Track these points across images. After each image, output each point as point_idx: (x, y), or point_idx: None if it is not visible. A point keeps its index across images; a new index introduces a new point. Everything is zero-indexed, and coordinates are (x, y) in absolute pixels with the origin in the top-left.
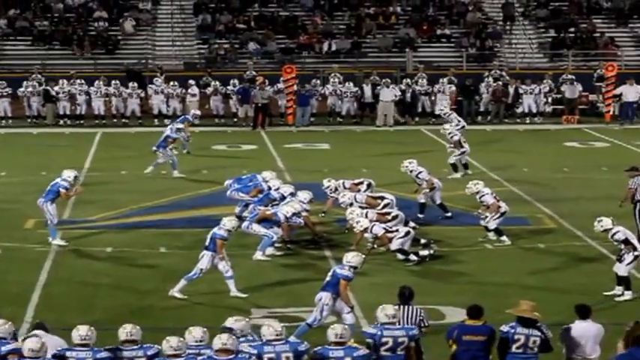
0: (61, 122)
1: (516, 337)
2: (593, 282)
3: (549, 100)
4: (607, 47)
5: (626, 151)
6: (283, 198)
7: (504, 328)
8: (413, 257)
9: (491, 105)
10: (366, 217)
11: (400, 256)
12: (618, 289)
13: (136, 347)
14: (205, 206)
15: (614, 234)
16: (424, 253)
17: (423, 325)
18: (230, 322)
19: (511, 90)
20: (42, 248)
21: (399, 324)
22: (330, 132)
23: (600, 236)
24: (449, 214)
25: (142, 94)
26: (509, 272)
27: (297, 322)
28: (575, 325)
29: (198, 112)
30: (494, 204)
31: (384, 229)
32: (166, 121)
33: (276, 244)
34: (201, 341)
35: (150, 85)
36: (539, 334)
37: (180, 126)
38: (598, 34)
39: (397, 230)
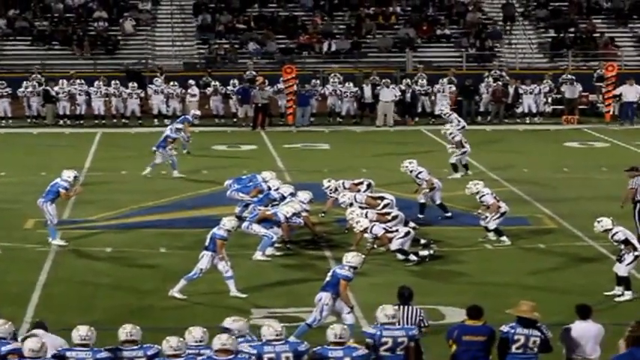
0: (61, 122)
1: (516, 337)
2: (593, 282)
3: (549, 100)
4: (607, 47)
5: (626, 151)
6: (283, 198)
7: (504, 328)
8: (413, 257)
9: (491, 105)
10: (366, 217)
11: (400, 257)
12: (618, 290)
13: (135, 347)
14: (205, 206)
15: (614, 234)
16: (424, 253)
17: (422, 325)
18: (228, 322)
19: (511, 90)
20: (42, 248)
21: (399, 324)
22: (329, 132)
23: (600, 236)
24: (449, 215)
25: (142, 94)
26: (509, 272)
27: (297, 323)
28: (576, 325)
29: (198, 113)
30: (494, 204)
31: (384, 229)
32: (166, 122)
33: (276, 245)
34: (201, 341)
35: (150, 85)
36: (539, 334)
37: (180, 126)
38: (598, 35)
39: (397, 230)
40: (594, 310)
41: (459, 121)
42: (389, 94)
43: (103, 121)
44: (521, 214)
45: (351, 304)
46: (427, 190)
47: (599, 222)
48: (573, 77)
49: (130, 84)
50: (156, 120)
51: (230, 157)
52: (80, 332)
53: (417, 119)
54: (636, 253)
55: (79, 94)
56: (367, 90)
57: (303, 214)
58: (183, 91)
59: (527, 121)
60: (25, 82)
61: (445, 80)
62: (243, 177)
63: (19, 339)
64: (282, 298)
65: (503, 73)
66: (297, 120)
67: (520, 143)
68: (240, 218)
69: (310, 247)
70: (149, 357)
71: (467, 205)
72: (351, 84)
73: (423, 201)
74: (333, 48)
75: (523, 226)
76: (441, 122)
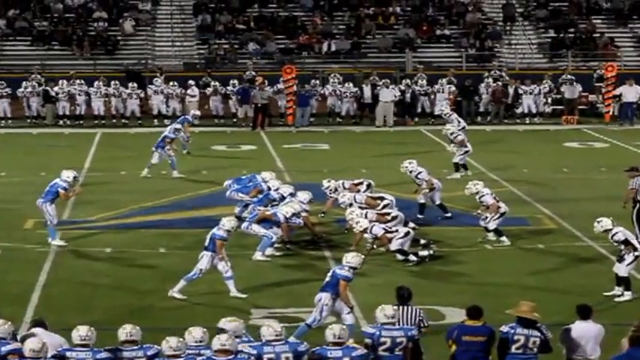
0: (61, 122)
1: (516, 337)
2: (592, 282)
3: (549, 100)
4: (606, 48)
5: (626, 152)
6: (283, 198)
7: (504, 328)
8: (412, 258)
9: (491, 105)
10: (366, 217)
11: (400, 257)
12: (618, 290)
13: (135, 347)
14: (205, 207)
15: (614, 234)
16: (424, 253)
17: (422, 325)
18: (223, 322)
19: (511, 90)
20: (41, 249)
21: (399, 324)
22: (329, 132)
23: (600, 237)
24: (448, 215)
25: (142, 95)
26: (509, 273)
27: (297, 323)
28: (576, 325)
29: (198, 113)
30: (494, 204)
31: (384, 229)
32: (166, 122)
33: (276, 245)
34: (200, 342)
35: (149, 86)
36: (538, 334)
37: (179, 126)
38: (598, 35)
39: (397, 231)
40: (594, 310)
41: (459, 122)
42: (388, 94)
43: (103, 122)
44: (520, 215)
45: (351, 305)
46: (427, 191)
47: (599, 222)
48: (573, 77)
49: (130, 84)
50: (156, 120)
51: (230, 157)
52: (80, 332)
53: (416, 119)
54: (636, 254)
55: (79, 95)
56: (367, 90)
57: (303, 214)
58: (183, 91)
59: (527, 122)
60: (24, 83)
61: (444, 81)
62: (243, 177)
63: (19, 337)
64: (281, 299)
65: (503, 74)
66: (296, 120)
67: (520, 143)
68: (240, 218)
69: (310, 247)
70: (149, 357)
71: (466, 205)
72: (351, 84)
73: (422, 201)
74: (333, 48)
75: (523, 227)
76: (441, 122)
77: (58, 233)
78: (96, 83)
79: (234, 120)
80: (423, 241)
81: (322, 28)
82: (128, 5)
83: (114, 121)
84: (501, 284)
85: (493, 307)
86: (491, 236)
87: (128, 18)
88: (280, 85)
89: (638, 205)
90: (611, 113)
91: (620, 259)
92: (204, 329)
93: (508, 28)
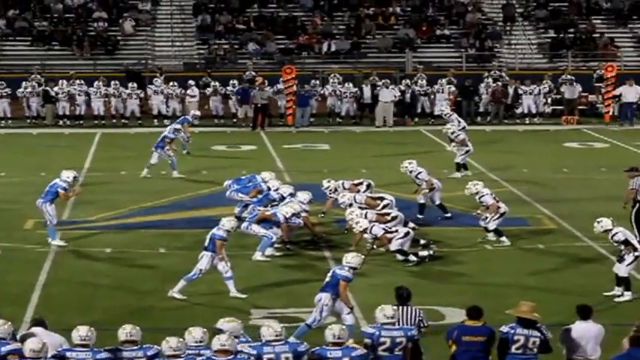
0: (61, 123)
1: (516, 337)
2: (592, 282)
3: (549, 100)
4: (606, 48)
5: (626, 152)
6: (283, 198)
7: (504, 328)
8: (412, 258)
9: (491, 105)
10: (366, 217)
11: (400, 257)
12: (618, 290)
13: (135, 348)
14: (205, 207)
15: (614, 235)
16: (424, 253)
17: (422, 325)
18: (220, 323)
19: (510, 90)
20: (41, 249)
21: (399, 325)
22: (329, 132)
23: (600, 237)
24: (448, 215)
25: (142, 95)
26: (509, 273)
27: (297, 323)
28: (576, 325)
29: (198, 113)
30: (494, 205)
31: (384, 229)
32: (166, 122)
33: (276, 245)
34: (200, 342)
35: (149, 86)
36: (538, 334)
37: (178, 126)
38: (597, 35)
39: (397, 231)
40: (594, 310)
41: (460, 122)
42: (388, 94)
43: (103, 122)
44: (520, 215)
45: (351, 305)
46: (427, 191)
47: (599, 222)
48: (573, 78)
49: (130, 84)
50: (155, 120)
51: (230, 157)
52: (80, 332)
53: (416, 120)
54: (636, 254)
55: (79, 95)
56: (367, 90)
57: (303, 214)
58: (183, 91)
59: (527, 122)
60: (24, 83)
61: (444, 81)
62: (243, 177)
63: (18, 336)
64: (281, 299)
65: (503, 74)
66: (296, 120)
67: (520, 144)
68: (240, 219)
69: (310, 247)
70: (149, 357)
71: (466, 205)
72: (351, 84)
73: (422, 201)
74: (333, 48)
75: (523, 227)
76: (441, 123)
77: (58, 233)
78: (96, 83)
79: (234, 120)
80: (422, 242)
81: (322, 29)
82: (128, 5)
83: (114, 121)
84: (501, 284)
85: (493, 308)
86: (491, 236)
87: (128, 18)
88: (280, 86)
89: (637, 205)
90: (611, 113)
91: (620, 260)
92: (204, 329)
93: (508, 28)
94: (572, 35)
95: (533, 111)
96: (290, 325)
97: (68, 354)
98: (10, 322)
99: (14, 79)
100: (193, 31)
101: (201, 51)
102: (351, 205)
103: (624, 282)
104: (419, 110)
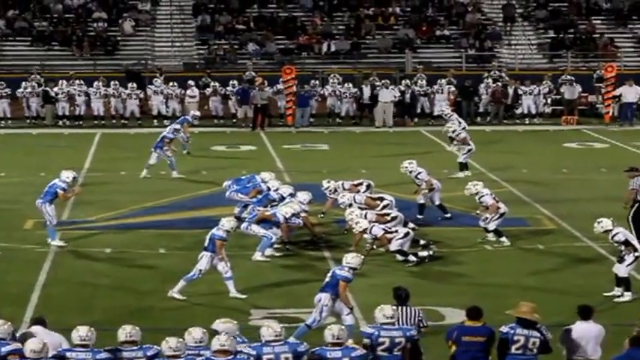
0: (60, 123)
1: (516, 338)
2: (592, 283)
3: (548, 101)
4: (606, 48)
5: (626, 152)
6: (282, 199)
7: (504, 329)
8: (412, 258)
9: (491, 106)
10: (366, 217)
11: (399, 257)
12: (618, 290)
13: (135, 348)
14: (204, 207)
15: (615, 235)
16: (423, 254)
17: (422, 325)
18: (216, 323)
19: (510, 91)
20: (41, 249)
21: (398, 325)
22: (329, 133)
23: (599, 237)
24: (448, 215)
25: (142, 95)
26: (509, 273)
27: (297, 323)
28: (576, 326)
29: (198, 113)
30: (494, 205)
31: (384, 229)
32: (166, 122)
33: (276, 245)
34: (200, 342)
35: (149, 86)
36: (538, 335)
37: (178, 127)
38: (597, 35)
39: (396, 231)
40: (594, 310)
41: (460, 122)
42: (388, 94)
43: (103, 122)
44: (520, 215)
45: (351, 305)
46: (426, 191)
47: (599, 223)
48: (573, 78)
49: (130, 84)
50: (155, 121)
51: (229, 157)
52: (80, 333)
53: (416, 120)
54: (636, 254)
55: (79, 95)
56: (366, 91)
57: (303, 214)
58: (183, 91)
59: (527, 122)
60: (24, 83)
61: (444, 81)
62: (243, 178)
63: (18, 334)
64: (281, 299)
65: (503, 74)
66: (296, 121)
67: (519, 144)
68: (240, 219)
69: (309, 247)
70: (149, 357)
71: (466, 205)
72: (351, 85)
73: (422, 202)
74: (333, 49)
75: (522, 227)
76: (441, 123)
77: (57, 233)
78: (95, 84)
79: (234, 120)
80: (422, 242)
81: (322, 29)
82: (128, 5)
83: (113, 121)
84: (501, 285)
85: (493, 308)
86: (490, 237)
87: (128, 18)
88: (280, 86)
89: (636, 206)
90: (610, 114)
91: (620, 260)
92: (204, 330)
93: (508, 28)
94: (572, 35)
95: (533, 111)
96: (290, 325)
97: (68, 354)
98: (10, 322)
99: (14, 79)
100: (193, 32)
101: (201, 51)
102: (350, 205)
103: (624, 282)
104: (419, 110)
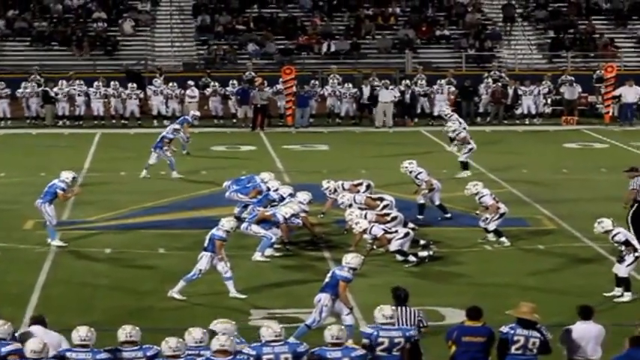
0: (60, 123)
1: (516, 338)
2: (592, 283)
3: (548, 101)
4: (606, 48)
5: (625, 152)
6: (282, 199)
7: (504, 329)
8: (412, 258)
9: (491, 106)
10: (365, 218)
11: (399, 257)
12: (618, 291)
13: (135, 348)
14: (204, 207)
15: (615, 235)
16: (423, 254)
17: (422, 325)
18: (214, 324)
19: (510, 91)
20: (41, 249)
21: (398, 325)
22: (329, 133)
23: (599, 237)
24: (448, 215)
25: (141, 95)
26: (509, 273)
27: (297, 324)
28: (576, 326)
29: (198, 113)
30: (494, 205)
31: (384, 230)
32: (165, 122)
33: (275, 245)
34: (200, 342)
35: (149, 86)
36: (538, 335)
37: (177, 127)
38: (597, 35)
39: (396, 231)
40: (594, 311)
41: (460, 122)
42: (388, 95)
43: (102, 122)
44: (520, 215)
45: (351, 305)
46: (426, 191)
47: (599, 223)
48: (573, 78)
49: (130, 85)
50: (155, 121)
51: (229, 157)
52: (80, 333)
53: (416, 120)
54: (637, 254)
55: (78, 95)
56: (366, 91)
57: (302, 214)
58: (183, 91)
59: (527, 122)
60: (24, 83)
61: (443, 81)
62: (242, 178)
63: (17, 334)
64: (281, 299)
65: (503, 74)
66: (296, 121)
67: (519, 144)
68: (239, 219)
69: (309, 248)
70: (149, 358)
71: (466, 206)
72: (351, 85)
73: (422, 202)
74: (333, 49)
75: (522, 227)
76: (441, 123)
77: (57, 234)
78: (95, 84)
79: (234, 120)
80: (422, 242)
81: (322, 29)
82: (127, 6)
83: (113, 121)
84: (501, 285)
85: (493, 308)
86: (490, 237)
87: (127, 18)
88: (280, 86)
89: (636, 206)
90: (610, 114)
91: (621, 260)
92: (204, 330)
93: (508, 28)
94: (571, 36)
95: (533, 111)
96: (289, 325)
97: (68, 354)
98: (9, 322)
99: (14, 79)
100: (193, 32)
101: (201, 51)
102: (350, 205)
103: (624, 282)
104: (418, 111)
